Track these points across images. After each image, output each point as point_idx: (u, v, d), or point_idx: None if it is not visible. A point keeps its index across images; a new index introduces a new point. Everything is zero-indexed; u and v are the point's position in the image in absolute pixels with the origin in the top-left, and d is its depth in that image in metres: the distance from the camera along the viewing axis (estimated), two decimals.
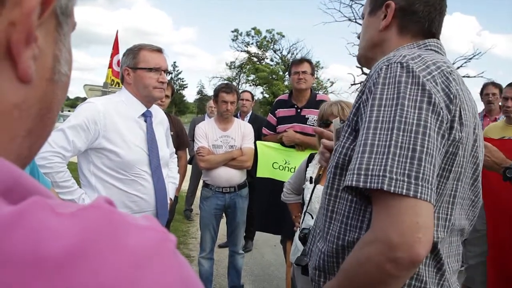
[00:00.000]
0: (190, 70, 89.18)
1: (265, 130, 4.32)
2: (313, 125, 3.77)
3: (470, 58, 20.66)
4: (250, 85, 41.73)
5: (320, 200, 2.50)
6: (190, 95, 63.52)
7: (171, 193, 2.73)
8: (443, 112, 0.98)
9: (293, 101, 4.11)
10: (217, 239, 4.01)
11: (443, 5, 1.25)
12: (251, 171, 4.21)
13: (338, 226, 1.13)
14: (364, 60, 1.40)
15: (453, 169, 1.05)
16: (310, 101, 4.01)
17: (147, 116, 2.38)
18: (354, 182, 0.94)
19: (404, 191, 0.89)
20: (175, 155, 2.98)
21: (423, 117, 0.94)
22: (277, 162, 4.03)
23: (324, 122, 2.60)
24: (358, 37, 1.42)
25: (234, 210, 3.91)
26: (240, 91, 5.54)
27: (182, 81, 64.23)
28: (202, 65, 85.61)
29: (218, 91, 3.89)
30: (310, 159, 2.83)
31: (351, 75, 35.79)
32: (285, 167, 3.96)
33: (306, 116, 3.96)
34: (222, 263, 4.91)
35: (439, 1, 1.24)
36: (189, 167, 6.80)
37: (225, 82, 4.02)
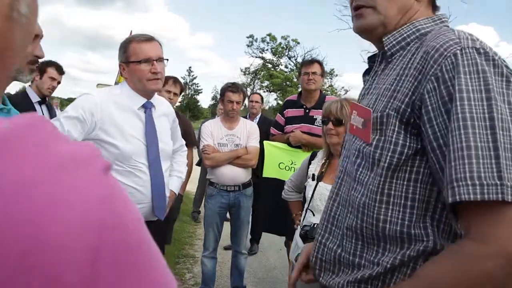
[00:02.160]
0: (205, 76, 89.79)
1: (273, 130, 4.34)
2: (321, 126, 3.75)
3: None
4: (264, 91, 41.82)
5: (322, 197, 2.49)
6: (204, 101, 64.01)
7: (175, 187, 2.71)
8: None
9: (302, 102, 4.12)
10: (223, 242, 3.99)
11: None
12: (257, 172, 4.20)
13: (399, 236, 1.02)
14: (379, 26, 1.15)
15: None
16: (319, 102, 4.01)
17: (147, 107, 2.35)
18: (471, 196, 0.81)
19: None
20: (185, 148, 2.94)
21: None
22: (283, 162, 4.04)
23: (325, 119, 2.59)
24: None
25: (238, 209, 3.89)
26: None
27: (197, 86, 64.68)
28: (217, 71, 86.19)
29: (224, 90, 3.90)
30: (312, 156, 2.81)
31: None
32: (291, 167, 3.96)
33: (315, 117, 3.96)
34: (227, 265, 4.87)
35: None
36: (198, 168, 6.83)
37: (232, 81, 4.01)
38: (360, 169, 1.09)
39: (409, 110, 0.97)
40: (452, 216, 0.92)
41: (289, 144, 4.02)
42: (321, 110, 3.84)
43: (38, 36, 1.69)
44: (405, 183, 1.00)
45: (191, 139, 4.29)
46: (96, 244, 0.34)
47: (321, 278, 1.19)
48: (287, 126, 4.11)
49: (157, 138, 2.34)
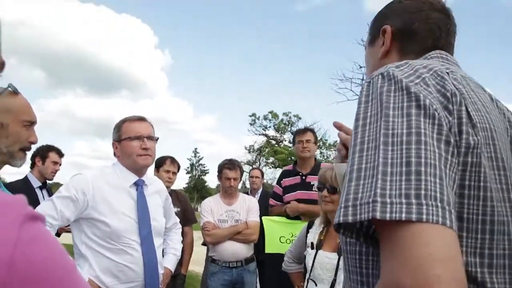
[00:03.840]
0: (211, 156, 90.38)
1: (272, 201, 4.37)
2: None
3: None
4: (270, 168, 41.96)
5: (322, 266, 2.45)
6: (212, 181, 63.82)
7: (170, 264, 2.70)
8: (438, 114, 0.78)
9: (298, 169, 4.19)
10: None
11: (451, 25, 1.14)
12: (259, 247, 4.16)
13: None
14: None
15: (481, 185, 0.81)
16: (314, 168, 4.08)
17: (139, 185, 2.41)
18: (341, 218, 0.73)
19: (404, 215, 0.67)
20: (179, 226, 2.96)
21: (413, 123, 0.76)
22: (284, 236, 4.02)
23: (320, 186, 2.61)
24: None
25: (242, 286, 3.82)
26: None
27: (204, 167, 65.11)
28: (222, 150, 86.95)
29: (221, 167, 3.99)
30: (309, 225, 2.79)
31: None
32: (292, 239, 3.91)
33: (312, 183, 3.99)
34: None
35: (444, 20, 1.12)
36: (204, 248, 6.72)
37: (229, 158, 4.09)
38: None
39: None
40: None
41: (288, 216, 4.03)
42: (317, 176, 3.91)
43: (33, 124, 1.77)
44: None
45: (189, 218, 4.29)
46: (4, 282, 0.40)
47: None
48: (285, 195, 4.14)
49: (149, 215, 2.37)
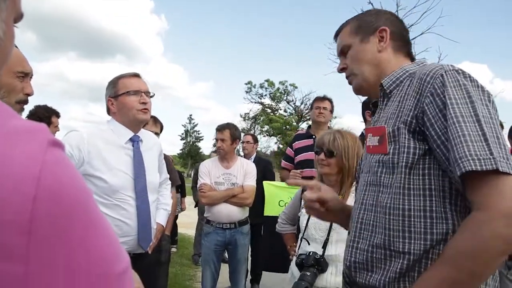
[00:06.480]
0: (206, 123, 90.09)
1: (284, 163, 4.48)
2: None
3: None
4: (264, 136, 42.05)
5: (316, 226, 2.51)
6: (206, 148, 63.65)
7: (162, 220, 2.73)
8: (495, 108, 1.21)
9: (311, 132, 4.34)
10: (224, 284, 3.96)
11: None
12: (258, 211, 4.26)
13: (422, 222, 1.22)
14: (367, 86, 1.51)
15: None
16: None
17: (134, 140, 2.42)
18: (473, 167, 1.06)
19: (508, 170, 1.05)
20: (169, 182, 2.98)
21: (491, 111, 1.17)
22: (282, 199, 4.17)
23: (317, 149, 2.63)
24: (339, 71, 1.59)
25: (235, 247, 3.91)
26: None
27: (198, 134, 65.02)
28: (217, 118, 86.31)
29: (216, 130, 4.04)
30: (305, 187, 2.83)
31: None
32: None
33: None
34: None
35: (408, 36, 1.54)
36: (196, 210, 6.85)
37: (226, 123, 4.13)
38: (383, 175, 1.33)
39: (414, 121, 1.25)
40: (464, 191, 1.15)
41: None
42: None
43: (28, 75, 1.75)
44: (420, 177, 1.24)
45: (173, 178, 4.29)
46: (34, 194, 0.44)
47: (357, 279, 1.38)
48: (296, 156, 4.28)
49: (145, 171, 2.39)
